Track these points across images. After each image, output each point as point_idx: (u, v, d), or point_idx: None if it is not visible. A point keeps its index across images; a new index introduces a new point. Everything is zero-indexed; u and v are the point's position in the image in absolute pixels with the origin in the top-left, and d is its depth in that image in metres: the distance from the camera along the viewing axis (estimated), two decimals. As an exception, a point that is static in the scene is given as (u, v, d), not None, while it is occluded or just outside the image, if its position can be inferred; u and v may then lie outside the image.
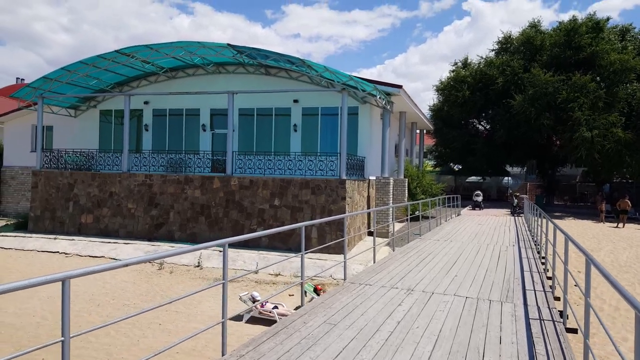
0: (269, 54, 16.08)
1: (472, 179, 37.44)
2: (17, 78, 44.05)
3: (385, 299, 6.08)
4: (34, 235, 17.13)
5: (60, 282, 2.59)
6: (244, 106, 18.56)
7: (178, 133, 19.65)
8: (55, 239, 16.55)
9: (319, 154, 16.78)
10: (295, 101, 18.16)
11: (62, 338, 2.61)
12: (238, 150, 17.99)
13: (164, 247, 15.44)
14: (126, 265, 3.14)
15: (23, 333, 8.46)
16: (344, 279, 7.36)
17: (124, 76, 19.38)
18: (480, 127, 34.97)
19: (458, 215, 22.55)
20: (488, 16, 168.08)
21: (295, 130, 18.25)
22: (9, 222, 19.53)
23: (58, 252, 15.39)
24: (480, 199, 27.95)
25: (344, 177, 14.97)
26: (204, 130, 19.29)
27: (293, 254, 11.96)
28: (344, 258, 7.54)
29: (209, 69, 19.00)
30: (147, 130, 19.96)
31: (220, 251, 14.04)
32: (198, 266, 13.73)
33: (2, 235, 17.17)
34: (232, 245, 9.02)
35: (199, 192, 16.31)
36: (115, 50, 16.51)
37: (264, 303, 9.38)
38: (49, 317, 9.28)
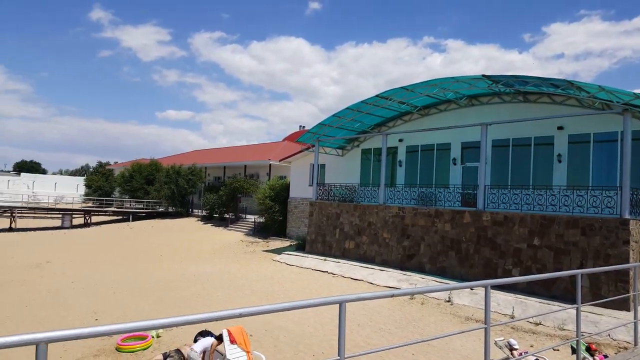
0: (528, 80, 14.99)
1: None
2: (300, 125, 54.15)
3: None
4: (309, 255, 20.41)
5: (337, 305, 3.01)
6: (497, 137, 17.72)
7: (429, 167, 20.24)
8: (324, 260, 19.28)
9: (591, 187, 14.38)
10: (560, 128, 16.21)
11: (338, 357, 2.96)
12: (490, 184, 17.18)
13: (415, 278, 15.91)
14: (392, 296, 3.43)
15: (300, 339, 10.09)
16: (635, 344, 5.97)
17: (381, 117, 21.41)
18: None
19: None
20: None
21: (560, 161, 16.20)
22: (292, 243, 23.93)
23: (327, 272, 17.84)
24: None
25: (626, 215, 12.33)
26: (455, 164, 19.28)
27: (557, 303, 10.45)
28: (635, 317, 6.14)
29: (461, 103, 19.04)
30: (400, 165, 21.34)
31: (471, 289, 13.52)
32: (448, 301, 13.55)
33: (287, 254, 21.13)
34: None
35: (449, 226, 16.25)
36: (376, 95, 18.46)
37: (523, 353, 8.46)
38: (319, 329, 10.81)
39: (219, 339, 8.52)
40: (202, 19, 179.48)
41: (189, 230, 30.50)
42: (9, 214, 33.25)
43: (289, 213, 26.44)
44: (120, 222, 36.75)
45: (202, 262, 20.52)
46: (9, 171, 65.33)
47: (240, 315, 2.47)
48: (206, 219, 33.80)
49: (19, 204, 38.23)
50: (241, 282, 16.04)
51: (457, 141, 19.24)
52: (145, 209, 38.97)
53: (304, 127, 53.02)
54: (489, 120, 16.46)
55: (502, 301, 12.92)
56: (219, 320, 2.47)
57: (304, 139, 22.72)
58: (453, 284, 10.27)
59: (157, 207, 39.12)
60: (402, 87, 17.70)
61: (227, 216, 32.04)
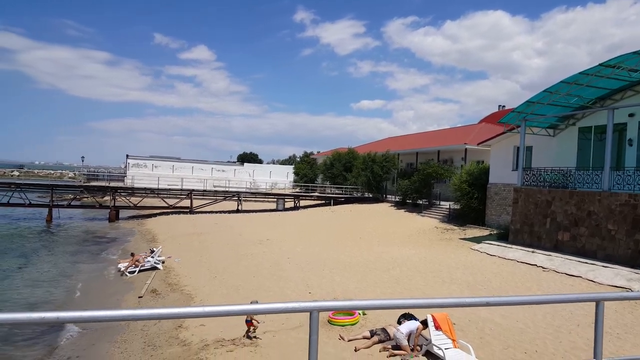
0: None
1: None
2: (499, 105, 49.80)
3: None
4: (513, 246, 18.72)
5: (594, 303, 2.59)
6: None
7: (676, 145, 16.13)
8: (532, 252, 17.41)
9: None
10: None
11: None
12: None
13: (657, 282, 13.00)
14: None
15: (508, 334, 9.33)
16: None
17: (605, 89, 17.98)
18: None
19: None
20: None
21: None
22: (492, 232, 22.34)
23: (535, 265, 16.08)
24: None
25: None
26: None
27: None
28: None
29: None
30: (630, 145, 17.58)
31: None
32: None
33: (488, 243, 19.82)
34: None
35: None
36: (599, 64, 15.58)
37: None
38: (530, 325, 9.83)
39: (424, 323, 8.55)
40: (395, 7, 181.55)
41: (384, 215, 31.52)
42: (236, 198, 40.00)
43: (488, 200, 24.70)
44: (323, 206, 40.37)
45: (398, 246, 20.95)
46: (234, 162, 78.31)
47: (487, 304, 2.38)
48: (399, 205, 34.36)
49: (243, 190, 45.70)
50: (438, 269, 15.78)
51: None
52: (344, 194, 41.85)
53: (503, 106, 48.61)
54: None
55: None
56: (452, 307, 2.43)
57: (507, 120, 20.80)
58: None
59: (355, 192, 41.58)
60: (634, 52, 14.54)
61: (421, 202, 31.89)
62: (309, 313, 2.06)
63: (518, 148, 21.07)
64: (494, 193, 24.37)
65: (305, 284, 13.61)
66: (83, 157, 50.08)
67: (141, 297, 13.52)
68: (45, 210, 33.98)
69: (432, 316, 8.43)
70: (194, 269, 16.29)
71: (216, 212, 36.88)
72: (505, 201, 23.25)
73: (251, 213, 37.21)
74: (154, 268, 16.99)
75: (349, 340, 8.94)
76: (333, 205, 39.23)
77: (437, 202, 31.39)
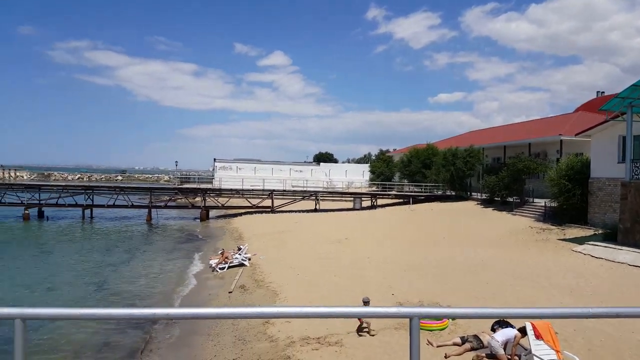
0: None
1: None
2: (597, 91, 45.24)
3: None
4: (623, 247, 16.73)
5: None
6: None
7: None
8: (646, 255, 15.45)
9: None
10: None
11: None
12: None
13: None
14: None
15: (622, 346, 8.28)
16: None
17: None
18: None
19: None
20: None
21: None
22: (596, 232, 20.21)
23: (651, 270, 14.24)
24: None
25: None
26: None
27: None
28: None
29: None
30: None
31: None
32: None
33: (592, 244, 17.94)
34: None
35: None
36: None
37: None
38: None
39: (522, 331, 7.89)
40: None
41: (469, 214, 29.99)
42: (314, 197, 40.50)
43: (590, 196, 22.37)
44: (401, 204, 39.49)
45: (486, 247, 19.75)
46: (310, 162, 79.57)
47: (617, 316, 2.01)
48: (486, 203, 32.50)
49: (320, 189, 46.19)
50: (534, 272, 14.58)
51: None
52: (424, 192, 40.59)
53: (602, 92, 44.16)
54: None
55: None
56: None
57: (610, 107, 18.71)
58: None
59: (435, 190, 40.15)
60: None
61: (510, 200, 29.83)
62: (408, 319, 1.94)
63: (624, 138, 18.85)
64: (597, 188, 22.03)
65: (388, 285, 13.30)
66: (177, 161, 54.17)
67: (231, 292, 14.13)
68: (145, 211, 37.09)
69: (532, 324, 7.75)
70: (278, 267, 16.70)
71: (295, 211, 37.68)
72: (610, 197, 20.91)
73: (328, 212, 37.48)
74: (241, 265, 17.72)
75: (437, 346, 8.53)
76: (412, 203, 38.22)
77: (530, 200, 29.15)
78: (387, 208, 38.67)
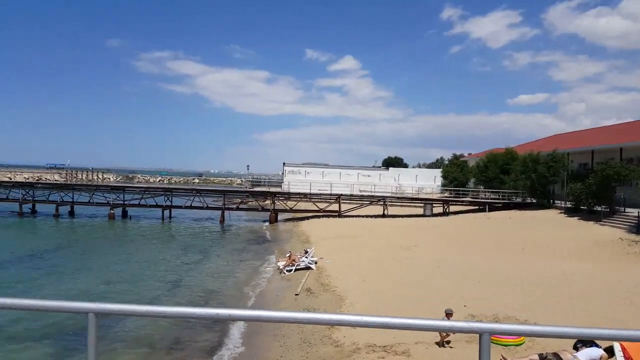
0: None
1: None
2: None
3: None
4: None
5: None
6: None
7: None
8: None
9: None
10: None
11: None
12: None
13: None
14: None
15: None
16: None
17: None
18: None
19: None
20: None
21: None
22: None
23: None
24: None
25: None
26: None
27: None
28: None
29: None
30: None
31: None
32: None
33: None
34: None
35: None
36: None
37: None
38: None
39: (609, 352, 7.14)
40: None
41: (551, 223, 27.88)
42: (382, 203, 39.94)
43: (695, 207, 19.85)
44: (476, 212, 37.71)
45: (570, 259, 18.22)
46: (379, 167, 78.57)
47: None
48: (571, 212, 30.02)
49: (389, 194, 45.44)
50: (626, 288, 13.15)
51: None
52: (502, 199, 38.46)
53: None
54: None
55: None
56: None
57: None
58: None
59: (514, 197, 37.89)
60: None
61: (598, 208, 27.30)
62: (478, 335, 1.78)
63: None
64: None
65: (459, 296, 12.67)
66: (248, 165, 56.10)
67: (297, 294, 14.29)
68: (219, 212, 38.84)
69: (622, 345, 6.98)
70: (344, 271, 16.62)
71: (362, 216, 37.41)
72: None
73: (397, 218, 36.78)
74: (307, 268, 17.88)
75: (513, 363, 7.94)
76: (488, 211, 36.34)
77: (621, 209, 26.48)
78: (460, 215, 37.14)
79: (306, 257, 18.59)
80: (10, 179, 59.68)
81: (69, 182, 49.51)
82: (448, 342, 8.99)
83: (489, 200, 39.02)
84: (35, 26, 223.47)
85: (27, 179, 66.28)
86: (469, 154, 71.31)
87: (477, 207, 38.90)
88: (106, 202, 39.13)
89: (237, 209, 41.23)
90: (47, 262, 20.57)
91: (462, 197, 42.84)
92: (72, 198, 39.23)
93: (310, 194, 40.70)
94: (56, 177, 71.69)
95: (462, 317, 10.18)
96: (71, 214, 39.16)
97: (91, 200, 39.18)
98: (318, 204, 39.39)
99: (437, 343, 8.99)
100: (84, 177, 61.77)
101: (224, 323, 11.96)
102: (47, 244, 25.22)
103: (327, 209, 38.83)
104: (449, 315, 9.00)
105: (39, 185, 44.17)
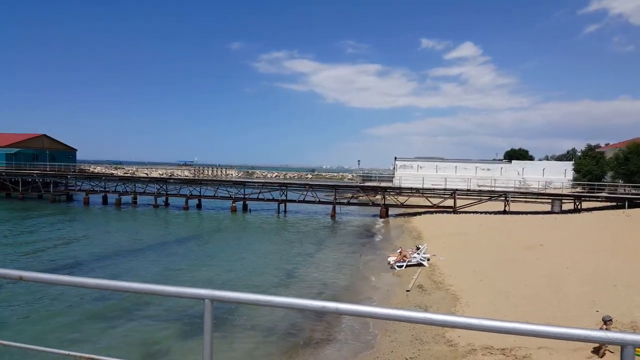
0: None
1: None
2: None
3: None
4: None
5: None
6: None
7: None
8: None
9: None
10: None
11: None
12: None
13: None
14: None
15: None
16: None
17: None
18: None
19: None
20: None
21: None
22: None
23: None
24: None
25: None
26: None
27: None
28: None
29: None
30: None
31: None
32: None
33: None
34: None
35: None
36: None
37: None
38: None
39: None
40: None
41: None
42: (503, 198, 37.18)
43: None
44: (614, 208, 33.17)
45: None
46: (500, 159, 73.01)
47: None
48: None
49: (511, 189, 42.09)
50: None
51: None
52: (646, 195, 33.28)
53: None
54: None
55: None
56: None
57: None
58: None
59: (663, 193, 32.52)
60: None
61: None
62: (620, 347, 1.53)
63: None
64: None
65: (590, 301, 11.32)
66: (359, 160, 56.70)
67: (409, 290, 14.09)
68: (330, 207, 39.90)
69: None
70: (459, 270, 15.91)
71: (480, 212, 35.28)
72: None
73: (520, 215, 33.94)
74: (419, 264, 17.49)
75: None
76: (628, 207, 31.69)
77: None
78: (594, 212, 33.02)
79: (418, 254, 18.20)
80: (147, 174, 68.40)
81: (197, 178, 55.07)
82: (603, 354, 8.02)
83: (629, 196, 34.03)
84: (176, 44, 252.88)
85: (162, 174, 75.17)
86: (606, 145, 62.84)
87: (615, 204, 34.25)
88: (229, 195, 42.72)
89: (348, 203, 41.90)
90: (180, 249, 23.22)
91: (597, 193, 38.00)
92: (200, 192, 43.62)
93: (423, 188, 39.62)
94: (186, 172, 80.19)
95: (591, 324, 9.10)
96: (198, 206, 43.51)
97: (216, 194, 43.12)
98: (431, 199, 38.20)
99: (594, 350, 8.07)
100: (209, 173, 68.18)
101: (333, 316, 12.30)
102: (179, 233, 28.54)
103: (441, 204, 37.45)
104: (607, 323, 8.01)
105: (171, 180, 49.80)
